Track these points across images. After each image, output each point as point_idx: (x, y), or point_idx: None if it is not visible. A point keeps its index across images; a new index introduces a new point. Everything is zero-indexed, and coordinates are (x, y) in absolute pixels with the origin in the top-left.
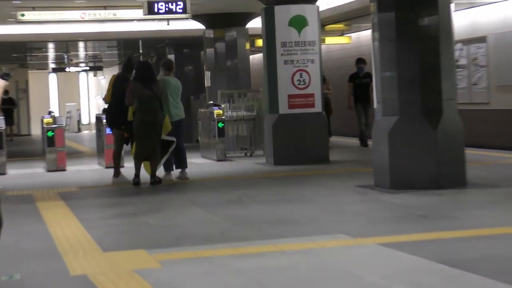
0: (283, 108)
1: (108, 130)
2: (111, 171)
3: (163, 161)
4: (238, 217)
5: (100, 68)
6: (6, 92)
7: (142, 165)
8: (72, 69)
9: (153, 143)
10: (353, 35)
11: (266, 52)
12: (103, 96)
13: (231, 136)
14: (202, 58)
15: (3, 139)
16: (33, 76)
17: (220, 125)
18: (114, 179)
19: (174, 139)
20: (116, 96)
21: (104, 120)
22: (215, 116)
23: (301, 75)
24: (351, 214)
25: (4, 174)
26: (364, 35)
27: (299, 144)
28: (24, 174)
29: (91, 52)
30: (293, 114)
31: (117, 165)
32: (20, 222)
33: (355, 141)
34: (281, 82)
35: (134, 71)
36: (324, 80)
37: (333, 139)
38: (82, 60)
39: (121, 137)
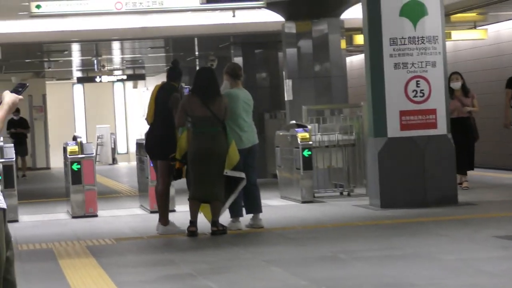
0: (393, 129)
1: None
2: (157, 217)
3: (228, 203)
4: (333, 281)
5: (141, 77)
6: (17, 111)
7: (200, 209)
8: (104, 78)
9: (214, 180)
10: (490, 27)
11: (370, 52)
12: (145, 114)
13: (321, 168)
14: (281, 61)
15: (13, 175)
16: (52, 88)
17: (307, 153)
18: (162, 228)
19: (243, 175)
20: (160, 114)
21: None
22: (299, 141)
23: (417, 84)
24: (488, 276)
25: (16, 221)
26: (505, 28)
27: (416, 179)
28: (42, 221)
29: (129, 56)
30: (407, 138)
31: (164, 209)
32: (39, 287)
33: (507, 175)
34: (390, 94)
35: (193, 82)
36: (466, 92)
37: (475, 173)
38: (117, 67)
39: (167, 170)
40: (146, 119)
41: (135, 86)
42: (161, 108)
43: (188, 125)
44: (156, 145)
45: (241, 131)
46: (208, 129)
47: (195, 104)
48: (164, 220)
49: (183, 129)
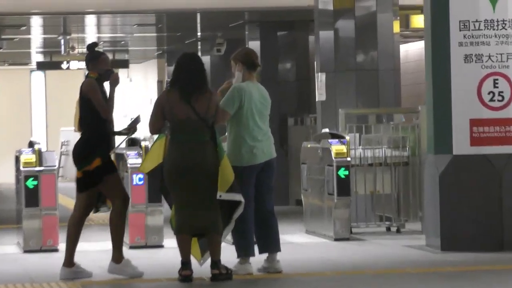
0: (461, 144)
1: (138, 179)
2: (137, 253)
3: (223, 237)
4: None
5: (124, 64)
6: None
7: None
8: (74, 65)
9: (207, 206)
10: None
11: (432, 39)
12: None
13: (362, 194)
14: (312, 48)
15: None
16: (2, 76)
17: (343, 173)
18: (65, 271)
19: (241, 197)
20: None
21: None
22: (333, 157)
23: (495, 83)
24: None
25: None
26: None
27: (490, 212)
28: None
29: (108, 35)
30: (479, 156)
31: (71, 244)
32: None
33: None
34: (458, 96)
35: (172, 72)
36: None
37: None
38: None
39: (82, 190)
40: (75, 130)
41: None
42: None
43: (166, 131)
44: (73, 154)
45: (253, 140)
46: (191, 137)
47: (175, 102)
48: (67, 260)
49: (160, 136)
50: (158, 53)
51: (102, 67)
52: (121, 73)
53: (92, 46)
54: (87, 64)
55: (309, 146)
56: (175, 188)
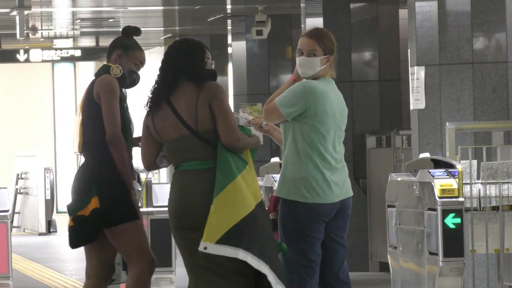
0: None
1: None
2: None
3: None
4: None
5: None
6: None
7: None
8: (35, 55)
9: (220, 271)
10: None
11: None
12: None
13: (482, 254)
14: (403, 29)
15: None
16: None
17: (453, 221)
18: None
19: (247, 256)
20: (91, 134)
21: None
22: (436, 197)
23: None
24: None
25: None
26: None
27: None
28: None
29: (89, 9)
30: None
31: None
32: None
33: None
34: None
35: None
36: None
37: None
38: (63, 33)
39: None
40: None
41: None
42: (90, 121)
43: (163, 162)
44: (72, 192)
45: (330, 168)
46: (190, 165)
47: (158, 116)
48: None
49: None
50: (166, 36)
51: (132, 66)
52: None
53: (132, 32)
54: (111, 52)
55: (399, 179)
56: (180, 245)
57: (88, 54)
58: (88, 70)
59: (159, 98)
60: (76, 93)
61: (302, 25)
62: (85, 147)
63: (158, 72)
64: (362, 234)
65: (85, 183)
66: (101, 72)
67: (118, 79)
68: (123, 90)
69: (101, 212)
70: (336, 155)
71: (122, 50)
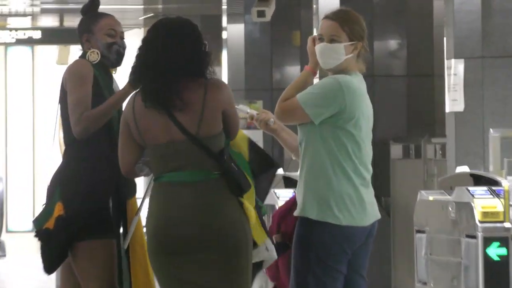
0: None
1: None
2: None
3: None
4: None
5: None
6: None
7: None
8: None
9: None
10: None
11: None
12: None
13: None
14: (438, 14)
15: None
16: None
17: (497, 252)
18: None
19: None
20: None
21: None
22: (477, 222)
23: None
24: None
25: None
26: None
27: None
28: None
29: None
30: None
31: None
32: None
33: None
34: None
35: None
36: None
37: None
38: (19, 10)
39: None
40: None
41: (62, 60)
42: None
43: (144, 170)
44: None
45: (363, 184)
46: (183, 177)
47: (142, 114)
48: None
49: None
50: (147, 16)
51: (104, 39)
52: (78, 51)
53: (89, 7)
54: (81, 41)
55: (431, 199)
56: (161, 275)
57: (49, 36)
58: (49, 56)
59: (145, 92)
60: (34, 84)
61: (314, 6)
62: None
63: (137, 58)
64: (384, 265)
65: (50, 188)
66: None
67: (99, 64)
68: (112, 77)
69: (66, 220)
70: (369, 167)
71: (87, 33)
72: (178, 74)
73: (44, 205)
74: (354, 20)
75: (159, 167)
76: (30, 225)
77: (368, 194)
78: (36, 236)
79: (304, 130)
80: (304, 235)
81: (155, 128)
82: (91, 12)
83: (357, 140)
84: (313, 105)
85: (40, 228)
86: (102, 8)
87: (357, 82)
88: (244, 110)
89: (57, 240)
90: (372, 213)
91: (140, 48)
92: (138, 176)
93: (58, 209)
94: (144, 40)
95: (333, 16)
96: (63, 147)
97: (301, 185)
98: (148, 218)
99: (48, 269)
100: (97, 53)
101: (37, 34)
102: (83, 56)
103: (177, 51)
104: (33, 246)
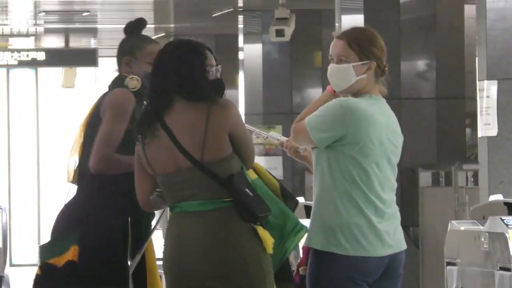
0: None
1: None
2: None
3: None
4: None
5: (90, 58)
6: None
7: None
8: None
9: None
10: None
11: None
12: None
13: None
14: (469, 31)
15: None
16: None
17: None
18: None
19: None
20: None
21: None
22: (511, 253)
23: None
24: None
25: None
26: None
27: None
28: None
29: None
30: None
31: None
32: None
33: None
34: None
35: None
36: None
37: None
38: (22, 30)
39: None
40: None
41: (68, 83)
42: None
43: (158, 202)
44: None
45: (376, 213)
46: (191, 206)
47: (156, 140)
48: None
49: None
50: (158, 36)
51: (147, 67)
52: (85, 73)
53: (134, 26)
54: (119, 62)
55: (462, 229)
56: None
57: (54, 58)
58: (54, 79)
59: (151, 120)
60: (38, 108)
61: (337, 24)
62: (80, 176)
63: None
64: None
65: (67, 224)
66: (113, 85)
67: (136, 93)
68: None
69: (76, 268)
70: (385, 195)
71: (129, 56)
72: (173, 96)
73: (55, 238)
74: (366, 37)
75: (171, 196)
76: (35, 259)
77: (385, 224)
78: (41, 267)
79: (314, 154)
80: (312, 267)
81: (162, 157)
82: (136, 32)
83: (365, 167)
84: (316, 128)
85: (45, 260)
86: (111, 26)
87: (367, 106)
88: (274, 137)
89: (60, 283)
90: (391, 243)
91: (149, 80)
92: (156, 209)
93: (73, 253)
94: (152, 70)
95: (341, 35)
96: (72, 173)
97: (311, 214)
98: (163, 252)
99: None
100: (137, 79)
101: (41, 56)
102: (120, 79)
103: (170, 74)
104: None
